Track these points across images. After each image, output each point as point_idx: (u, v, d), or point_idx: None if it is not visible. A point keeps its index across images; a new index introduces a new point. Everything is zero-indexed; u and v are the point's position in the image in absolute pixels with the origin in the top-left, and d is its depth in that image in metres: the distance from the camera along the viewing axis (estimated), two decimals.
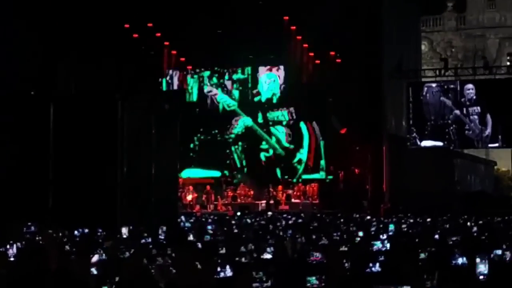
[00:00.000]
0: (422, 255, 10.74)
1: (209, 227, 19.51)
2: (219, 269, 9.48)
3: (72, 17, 34.86)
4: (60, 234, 15.99)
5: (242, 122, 40.80)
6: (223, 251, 11.92)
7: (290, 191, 39.10)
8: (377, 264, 10.56)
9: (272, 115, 40.53)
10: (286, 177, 39.85)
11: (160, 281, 8.68)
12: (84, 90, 32.20)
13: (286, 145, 40.15)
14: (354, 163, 38.24)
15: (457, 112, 39.14)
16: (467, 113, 39.20)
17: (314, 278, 9.04)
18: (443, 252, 12.39)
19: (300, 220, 24.84)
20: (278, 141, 40.29)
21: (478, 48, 60.05)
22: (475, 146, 41.61)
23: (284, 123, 40.35)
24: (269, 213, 31.37)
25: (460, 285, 8.03)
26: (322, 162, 39.25)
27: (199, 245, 13.01)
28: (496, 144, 40.10)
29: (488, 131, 38.93)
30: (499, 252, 11.18)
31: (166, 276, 8.88)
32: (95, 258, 10.77)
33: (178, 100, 39.23)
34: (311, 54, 38.91)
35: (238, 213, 31.00)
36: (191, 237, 16.00)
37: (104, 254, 11.63)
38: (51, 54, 34.54)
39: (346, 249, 12.69)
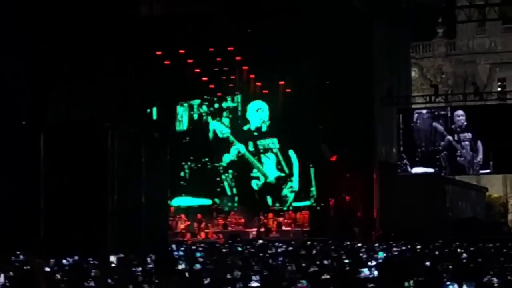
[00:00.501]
0: (407, 283, 10.76)
1: (198, 254, 19.49)
2: None
3: (61, 47, 34.96)
4: (50, 263, 15.95)
5: (236, 150, 40.86)
6: (207, 281, 11.90)
7: (280, 219, 39.10)
8: None
9: (262, 143, 40.63)
10: (277, 204, 39.86)
11: None
12: (74, 119, 32.23)
13: (277, 173, 40.21)
14: (345, 190, 38.25)
15: (450, 138, 39.25)
16: (459, 139, 39.31)
17: None
18: (432, 279, 12.42)
19: (290, 248, 24.83)
20: (269, 169, 40.37)
21: (468, 74, 60.38)
22: (467, 173, 41.67)
23: (275, 150, 40.43)
24: (260, 241, 31.34)
25: None
26: (313, 189, 39.27)
27: (187, 274, 12.99)
28: (488, 170, 40.19)
29: (480, 157, 39.03)
30: (486, 279, 11.21)
31: None
32: None
33: (168, 128, 39.30)
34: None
35: (229, 241, 30.98)
36: (182, 266, 15.99)
37: (93, 283, 11.63)
38: (41, 83, 34.59)
39: (328, 276, 12.66)
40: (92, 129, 24.32)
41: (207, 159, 41.05)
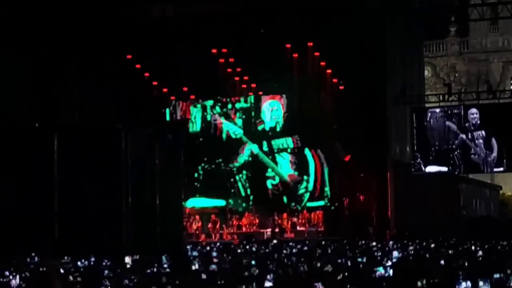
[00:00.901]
0: (420, 283, 10.73)
1: (214, 254, 19.50)
2: None
3: (73, 48, 35.10)
4: (65, 264, 16.01)
5: (249, 150, 40.84)
6: (222, 281, 11.89)
7: (295, 219, 39.07)
8: None
9: (277, 142, 40.57)
10: (293, 204, 39.78)
11: None
12: (87, 121, 32.33)
13: (291, 172, 40.14)
14: (359, 189, 38.25)
15: (463, 136, 39.15)
16: (472, 137, 39.21)
17: None
18: (446, 278, 12.39)
19: (305, 248, 24.80)
20: (284, 168, 40.28)
21: (481, 72, 60.22)
22: (481, 171, 41.52)
23: (289, 150, 40.35)
24: (274, 241, 31.33)
25: None
26: (327, 189, 39.21)
27: (203, 275, 12.99)
28: (501, 169, 40.07)
29: (494, 155, 38.91)
30: (500, 275, 11.16)
31: None
32: None
33: (182, 129, 39.35)
34: (314, 81, 38.93)
35: (244, 242, 30.97)
36: (196, 266, 16.01)
37: (109, 285, 11.64)
38: (52, 85, 34.76)
39: (341, 277, 12.64)
40: (105, 130, 24.33)
41: (220, 160, 41.03)
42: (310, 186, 39.76)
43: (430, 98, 44.27)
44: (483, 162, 39.36)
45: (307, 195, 39.76)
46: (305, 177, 39.72)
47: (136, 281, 11.76)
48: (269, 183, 40.43)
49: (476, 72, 60.77)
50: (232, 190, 40.83)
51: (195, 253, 22.30)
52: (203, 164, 41.10)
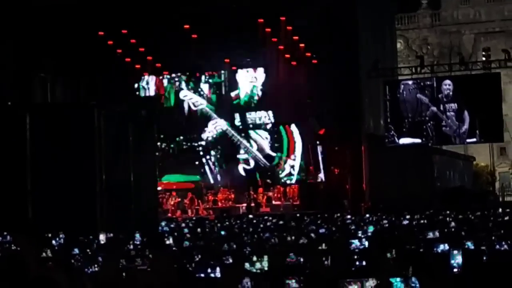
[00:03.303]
0: (389, 255, 10.80)
1: (186, 230, 19.53)
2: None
3: (45, 26, 34.75)
4: (39, 242, 15.92)
5: (220, 128, 40.72)
6: (198, 257, 11.91)
7: (270, 194, 39.15)
8: (356, 262, 10.62)
9: (252, 116, 40.46)
10: (269, 181, 39.80)
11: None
12: (60, 99, 32.13)
13: (270, 153, 40.01)
14: (334, 163, 38.34)
15: (434, 108, 39.29)
16: (444, 109, 39.36)
17: (293, 281, 8.91)
18: (420, 247, 12.48)
19: (281, 222, 24.87)
20: (261, 150, 40.12)
21: (453, 44, 60.36)
22: (452, 142, 41.78)
23: (263, 126, 40.27)
24: (250, 216, 31.40)
25: (435, 278, 8.09)
26: (302, 163, 39.28)
27: (176, 250, 12.99)
28: (474, 139, 40.29)
29: (465, 127, 39.07)
30: (471, 244, 11.27)
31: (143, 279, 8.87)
32: None
33: (155, 106, 39.17)
34: (287, 56, 38.92)
35: (219, 217, 31.00)
36: (171, 241, 16.02)
37: (81, 262, 11.60)
38: (25, 64, 34.44)
39: (325, 248, 12.72)
40: (78, 108, 24.20)
41: (195, 136, 40.95)
42: (284, 161, 39.76)
43: (403, 70, 44.33)
44: (454, 134, 39.56)
45: (281, 171, 39.79)
46: (278, 154, 39.76)
47: (105, 255, 11.74)
48: (241, 160, 40.37)
49: (448, 44, 60.91)
50: (207, 166, 40.77)
51: (168, 229, 22.32)
52: (177, 139, 41.04)
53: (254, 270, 9.76)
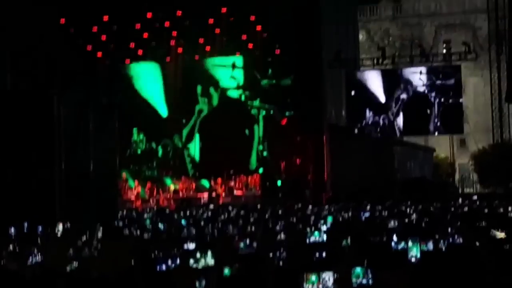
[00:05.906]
0: (345, 242, 10.81)
1: (148, 221, 19.42)
2: None
3: (4, 13, 34.31)
4: None
5: None
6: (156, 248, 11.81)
7: (232, 183, 39.04)
8: (316, 254, 10.62)
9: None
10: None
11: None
12: (19, 86, 31.72)
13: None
14: (295, 153, 38.37)
15: (395, 99, 39.53)
16: (403, 100, 39.62)
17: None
18: (380, 238, 12.50)
19: (242, 212, 24.80)
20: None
21: (414, 36, 60.69)
22: (413, 133, 42.12)
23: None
24: (211, 206, 31.29)
25: (392, 269, 8.12)
26: (264, 153, 39.26)
27: (134, 241, 12.91)
28: (434, 131, 40.61)
29: (427, 118, 39.37)
30: (429, 236, 11.31)
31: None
32: None
33: (116, 93, 38.89)
34: (250, 45, 38.82)
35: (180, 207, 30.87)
36: (127, 232, 15.93)
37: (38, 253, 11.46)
38: None
39: (283, 238, 12.70)
40: (37, 96, 23.86)
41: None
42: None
43: (365, 61, 44.54)
44: (415, 125, 39.84)
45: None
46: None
47: (58, 244, 11.65)
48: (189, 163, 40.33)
49: (409, 36, 61.23)
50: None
51: (127, 219, 22.19)
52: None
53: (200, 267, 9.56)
